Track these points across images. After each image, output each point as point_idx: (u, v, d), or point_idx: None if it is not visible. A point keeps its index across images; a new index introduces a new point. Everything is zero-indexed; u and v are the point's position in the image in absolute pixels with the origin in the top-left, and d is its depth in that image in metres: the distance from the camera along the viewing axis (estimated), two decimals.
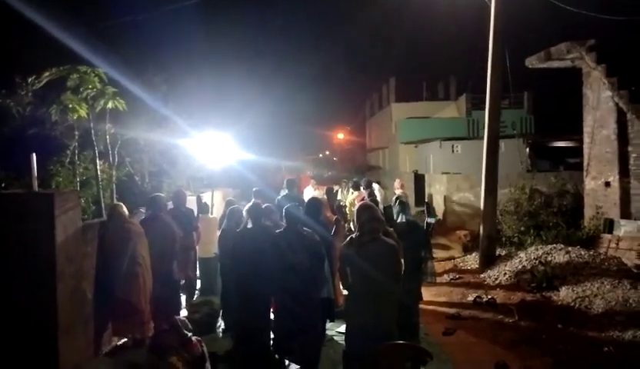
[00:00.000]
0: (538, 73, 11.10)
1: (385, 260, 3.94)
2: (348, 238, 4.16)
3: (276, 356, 5.15)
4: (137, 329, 5.42)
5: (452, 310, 6.99)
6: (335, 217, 6.67)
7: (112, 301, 5.23)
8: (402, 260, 4.85)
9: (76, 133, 5.80)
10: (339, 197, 11.35)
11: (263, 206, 6.99)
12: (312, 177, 13.13)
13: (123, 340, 5.54)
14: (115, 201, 5.86)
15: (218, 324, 6.47)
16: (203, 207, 7.79)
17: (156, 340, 4.62)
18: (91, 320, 4.97)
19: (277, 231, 5.14)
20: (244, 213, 5.71)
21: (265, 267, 5.14)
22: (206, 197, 11.57)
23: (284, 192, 9.28)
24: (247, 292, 5.29)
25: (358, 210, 4.18)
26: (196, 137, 11.75)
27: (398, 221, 5.72)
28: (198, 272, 7.92)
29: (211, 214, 8.64)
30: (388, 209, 5.72)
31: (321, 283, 5.15)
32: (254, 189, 8.84)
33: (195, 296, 7.82)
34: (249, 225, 5.50)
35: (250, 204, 5.55)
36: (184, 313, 6.84)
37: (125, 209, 5.44)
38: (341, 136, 44.27)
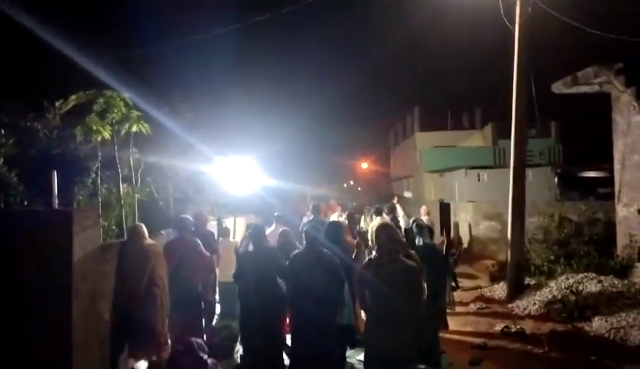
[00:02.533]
0: (565, 100, 10.93)
1: (404, 281, 3.81)
2: (367, 259, 4.05)
3: None
4: (154, 351, 5.34)
5: (479, 340, 6.71)
6: (355, 241, 6.55)
7: (129, 322, 5.19)
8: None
9: (100, 155, 5.86)
10: (362, 224, 11.22)
11: (280, 230, 6.99)
12: (339, 204, 13.03)
13: (139, 363, 5.46)
14: (137, 223, 5.88)
15: (236, 348, 6.35)
16: (224, 231, 7.77)
17: (172, 363, 4.55)
18: (107, 340, 4.91)
19: (295, 252, 5.07)
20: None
21: (266, 290, 5.07)
22: (228, 223, 11.62)
23: (308, 218, 9.25)
24: (250, 314, 5.21)
25: (376, 230, 4.09)
26: (220, 163, 11.87)
27: (417, 244, 5.57)
28: (217, 296, 7.87)
29: (233, 238, 8.62)
30: (409, 232, 5.58)
31: (339, 306, 5.02)
32: (275, 214, 8.83)
33: (215, 320, 7.75)
34: (250, 248, 5.47)
35: (252, 227, 5.54)
36: (204, 337, 6.77)
37: (144, 229, 5.44)
38: (365, 165, 44.24)
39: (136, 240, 5.33)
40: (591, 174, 21.66)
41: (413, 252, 5.08)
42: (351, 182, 52.69)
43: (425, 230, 5.81)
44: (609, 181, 11.69)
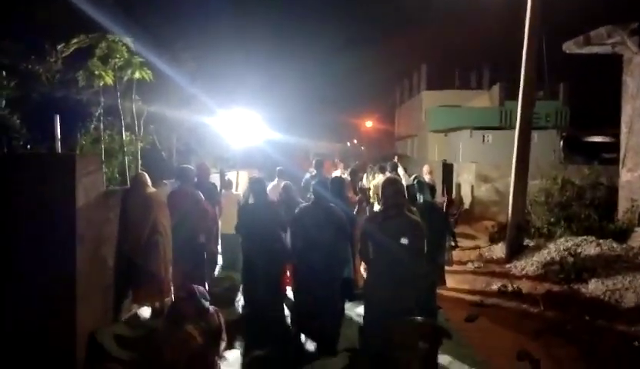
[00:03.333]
0: (574, 62, 10.69)
1: (408, 235, 3.82)
2: (372, 212, 4.05)
3: (293, 331, 5.10)
4: (156, 297, 5.44)
5: (475, 298, 6.83)
6: (357, 197, 6.59)
7: (132, 269, 5.26)
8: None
9: (102, 100, 5.78)
10: (364, 181, 11.23)
11: (282, 184, 6.99)
12: (341, 161, 13.00)
13: (142, 308, 5.56)
14: (139, 171, 5.87)
15: (238, 298, 6.46)
16: (226, 184, 7.78)
17: (174, 309, 4.63)
18: (112, 286, 5.00)
19: (302, 205, 5.08)
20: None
21: (267, 243, 5.12)
22: (231, 176, 11.62)
23: (311, 174, 9.25)
24: (252, 266, 5.28)
25: (383, 184, 4.08)
26: (223, 116, 11.76)
27: (417, 202, 5.58)
28: (220, 247, 7.96)
29: (235, 191, 8.64)
30: (410, 189, 5.57)
31: (346, 261, 5.08)
32: (277, 168, 8.82)
33: (217, 271, 7.86)
34: (250, 201, 5.49)
35: (253, 181, 5.54)
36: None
37: (147, 178, 5.43)
38: (369, 124, 43.88)
39: (139, 188, 5.33)
40: (597, 138, 21.50)
41: (414, 209, 5.12)
42: (355, 141, 52.44)
43: (426, 187, 5.80)
44: (614, 147, 11.59)
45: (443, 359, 4.68)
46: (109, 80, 5.53)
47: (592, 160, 16.79)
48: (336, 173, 10.95)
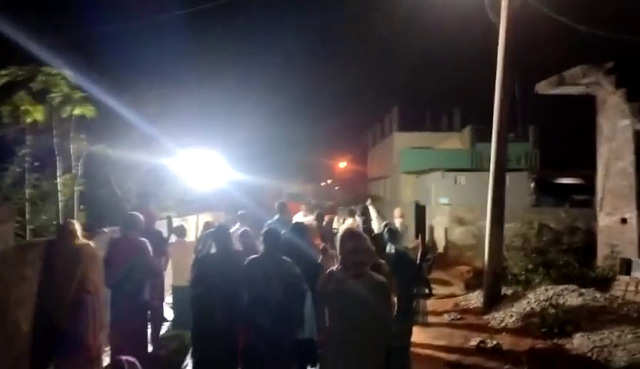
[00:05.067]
0: (544, 105, 10.55)
1: (372, 299, 3.20)
2: (327, 272, 3.41)
3: None
4: (83, 367, 4.64)
5: (452, 357, 6.17)
6: (322, 246, 5.94)
7: (56, 333, 4.48)
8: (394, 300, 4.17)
9: (27, 138, 5.12)
10: (335, 225, 10.63)
11: (240, 230, 6.35)
12: (304, 203, 12.29)
13: None
14: (67, 219, 5.16)
15: (185, 363, 5.68)
16: (179, 230, 7.07)
17: None
18: (26, 355, 4.21)
19: (252, 256, 4.43)
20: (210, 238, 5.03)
21: (226, 298, 4.44)
22: (191, 222, 10.89)
23: (276, 217, 8.57)
24: (208, 324, 4.58)
25: (341, 238, 3.43)
26: (184, 156, 11.14)
27: (387, 251, 5.00)
28: (170, 302, 7.21)
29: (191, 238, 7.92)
30: (378, 238, 5.00)
31: (298, 323, 4.42)
32: (239, 212, 8.16)
33: (166, 328, 7.06)
34: (212, 250, 4.83)
35: (215, 228, 4.89)
36: (149, 348, 6.08)
37: (76, 227, 4.73)
38: (343, 165, 43.73)
39: (65, 239, 4.62)
40: (567, 180, 21.52)
41: (383, 261, 4.53)
42: (329, 181, 52.18)
43: (398, 235, 5.26)
44: (586, 188, 11.39)
45: None
46: (39, 116, 4.90)
47: (563, 201, 16.63)
48: (299, 216, 10.37)
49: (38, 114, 4.91)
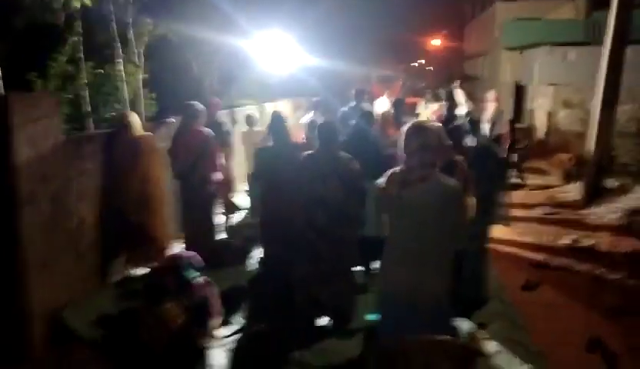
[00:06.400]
0: None
1: (439, 206, 2.71)
2: (388, 174, 2.92)
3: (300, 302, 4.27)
4: (153, 258, 4.74)
5: (539, 256, 5.63)
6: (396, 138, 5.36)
7: (123, 226, 4.57)
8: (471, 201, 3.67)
9: (79, 23, 4.86)
10: (419, 111, 9.87)
11: (308, 120, 5.96)
12: (390, 86, 11.46)
13: (138, 270, 4.92)
14: (126, 111, 5.03)
15: (255, 252, 5.71)
16: (249, 120, 6.83)
17: (151, 283, 3.90)
18: (95, 248, 4.34)
19: (307, 152, 4.06)
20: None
21: (286, 195, 4.19)
22: (269, 108, 10.67)
23: (352, 104, 8.03)
24: (268, 220, 4.44)
25: (406, 133, 2.86)
26: (261, 39, 10.66)
27: (468, 145, 4.37)
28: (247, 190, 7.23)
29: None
30: (454, 130, 4.34)
31: (359, 223, 4.09)
32: (313, 99, 7.73)
33: (244, 215, 7.15)
34: (270, 143, 4.51)
35: (272, 117, 4.51)
36: (223, 235, 6.20)
37: (135, 118, 4.60)
38: (436, 42, 40.61)
39: (124, 132, 4.52)
40: None
41: (460, 157, 3.95)
42: (422, 61, 49.31)
43: (479, 126, 4.58)
44: None
45: (489, 346, 3.71)
46: (87, 0, 4.59)
47: None
48: (383, 101, 9.68)
49: None
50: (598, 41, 14.55)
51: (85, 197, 4.15)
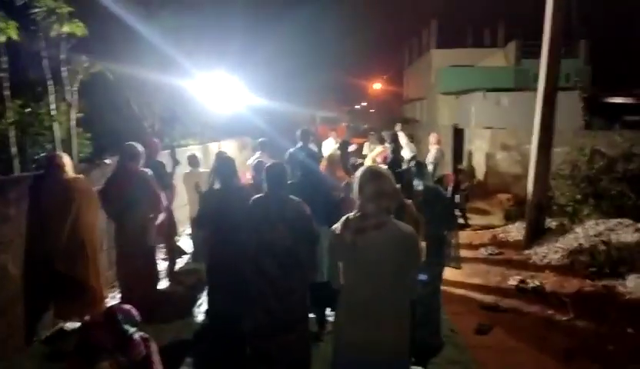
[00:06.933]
0: (595, 18, 9.12)
1: (396, 254, 2.58)
2: (342, 220, 2.77)
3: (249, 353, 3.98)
4: (86, 310, 4.32)
5: (489, 298, 5.64)
6: (345, 181, 5.24)
7: (52, 276, 4.14)
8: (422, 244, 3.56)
9: (3, 58, 4.53)
10: (365, 152, 9.95)
11: (254, 161, 5.81)
12: (335, 128, 11.51)
13: (70, 323, 4.47)
14: (56, 152, 4.68)
15: (200, 301, 5.36)
16: (192, 160, 6.56)
17: (83, 339, 3.50)
18: (19, 300, 3.89)
19: (255, 196, 3.85)
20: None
21: (234, 239, 3.95)
22: (213, 148, 10.42)
23: (299, 145, 7.93)
24: (214, 268, 4.16)
25: (360, 178, 2.73)
26: (204, 79, 10.48)
27: (415, 188, 4.32)
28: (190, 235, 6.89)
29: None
30: (404, 173, 4.31)
31: (310, 270, 3.91)
32: (259, 140, 7.58)
33: (185, 261, 6.78)
34: (216, 186, 4.29)
35: (217, 160, 4.32)
36: (164, 284, 5.81)
37: (66, 159, 4.25)
38: (377, 86, 41.99)
39: (54, 173, 4.15)
40: (619, 99, 19.88)
41: (409, 201, 3.89)
42: (364, 104, 50.73)
43: (426, 169, 4.56)
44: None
45: None
46: (13, 33, 4.28)
47: (613, 123, 15.30)
48: (329, 143, 9.69)
49: (11, 31, 4.28)
50: (528, 87, 15.52)
51: (8, 246, 3.72)
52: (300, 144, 7.57)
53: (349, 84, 42.75)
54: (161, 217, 4.79)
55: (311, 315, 4.39)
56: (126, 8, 8.77)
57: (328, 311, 4.76)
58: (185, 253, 6.87)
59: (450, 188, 8.43)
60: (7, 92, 4.62)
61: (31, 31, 4.81)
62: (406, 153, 8.45)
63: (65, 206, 4.11)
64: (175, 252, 6.07)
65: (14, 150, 4.61)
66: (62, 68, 5.00)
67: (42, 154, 5.06)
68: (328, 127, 12.90)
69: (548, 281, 6.01)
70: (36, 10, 4.67)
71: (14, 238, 3.83)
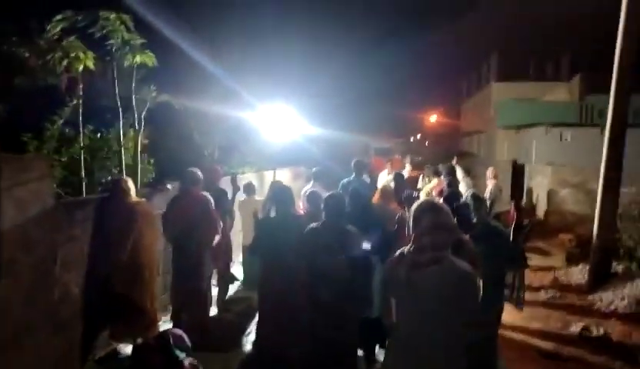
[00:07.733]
0: None
1: (453, 294, 2.49)
2: (397, 254, 2.71)
3: None
4: (139, 332, 4.42)
5: (549, 345, 5.32)
6: (399, 214, 5.15)
7: (110, 297, 4.29)
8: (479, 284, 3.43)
9: (80, 86, 4.83)
10: (420, 186, 9.81)
11: (308, 191, 5.82)
12: (390, 160, 11.44)
13: (124, 345, 4.58)
14: (121, 176, 4.88)
15: (249, 330, 5.37)
16: (248, 188, 6.69)
17: (137, 362, 3.57)
18: (78, 319, 4.04)
19: (311, 225, 3.85)
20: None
21: (287, 267, 3.94)
22: (268, 177, 10.59)
23: (352, 176, 7.93)
24: (266, 296, 4.16)
25: (415, 211, 2.69)
26: (263, 110, 10.77)
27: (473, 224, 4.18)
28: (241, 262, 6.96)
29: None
30: (461, 208, 4.19)
31: (366, 302, 3.84)
32: (313, 170, 7.62)
33: (236, 288, 6.84)
34: (272, 214, 4.32)
35: (273, 188, 4.35)
36: (214, 310, 5.87)
37: (130, 184, 4.44)
38: (433, 118, 41.65)
39: (118, 196, 4.34)
40: None
41: (466, 238, 3.77)
42: (419, 136, 50.36)
43: (484, 204, 4.41)
44: None
45: None
46: (90, 63, 4.56)
47: None
48: (384, 175, 9.62)
49: (89, 61, 4.57)
50: (593, 123, 14.90)
51: (71, 265, 3.89)
52: (353, 175, 7.58)
53: (404, 116, 42.67)
54: (217, 237, 4.86)
55: (360, 352, 4.31)
56: (192, 42, 9.27)
57: (377, 349, 4.66)
58: (236, 279, 6.95)
59: (512, 226, 8.13)
60: (80, 118, 4.90)
61: (106, 61, 5.10)
62: (462, 187, 8.24)
63: (127, 228, 4.27)
64: (227, 278, 6.14)
65: (82, 173, 4.86)
66: (132, 97, 5.26)
67: (109, 178, 5.29)
68: (384, 158, 12.84)
69: (615, 330, 5.62)
70: (112, 41, 4.95)
71: (78, 258, 4.00)
